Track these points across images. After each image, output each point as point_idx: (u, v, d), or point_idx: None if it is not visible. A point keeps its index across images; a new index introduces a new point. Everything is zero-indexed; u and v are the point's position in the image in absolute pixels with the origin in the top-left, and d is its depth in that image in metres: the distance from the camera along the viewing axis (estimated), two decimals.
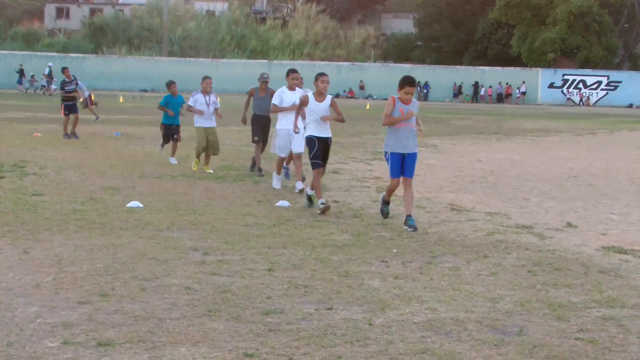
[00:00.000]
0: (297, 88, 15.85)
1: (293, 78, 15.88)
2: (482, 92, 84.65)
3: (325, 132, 13.44)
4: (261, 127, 17.71)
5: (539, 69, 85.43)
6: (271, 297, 7.74)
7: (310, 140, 13.32)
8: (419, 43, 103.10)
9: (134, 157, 20.36)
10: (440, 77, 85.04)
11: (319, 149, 13.23)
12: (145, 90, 78.03)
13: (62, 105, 26.08)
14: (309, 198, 13.63)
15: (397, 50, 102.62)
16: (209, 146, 18.05)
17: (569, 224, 12.51)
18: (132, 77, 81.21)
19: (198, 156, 18.15)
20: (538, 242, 10.98)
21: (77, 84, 26.46)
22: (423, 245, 10.56)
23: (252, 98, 17.77)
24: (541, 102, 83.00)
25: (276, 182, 15.73)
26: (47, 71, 70.33)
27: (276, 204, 13.54)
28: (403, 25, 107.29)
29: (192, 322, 6.89)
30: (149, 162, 19.35)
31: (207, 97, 18.06)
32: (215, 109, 18.18)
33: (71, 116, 25.82)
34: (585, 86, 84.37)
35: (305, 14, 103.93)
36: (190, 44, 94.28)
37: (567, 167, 21.31)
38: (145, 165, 18.76)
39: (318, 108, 13.39)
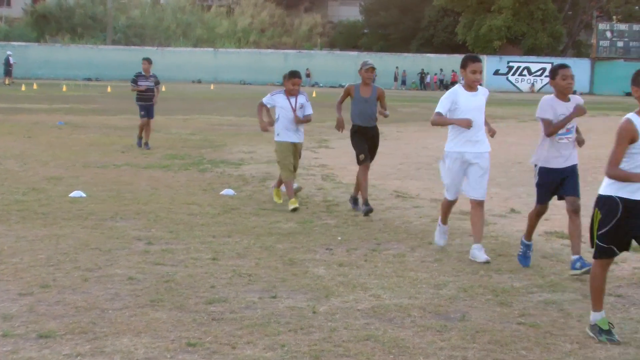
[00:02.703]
0: (480, 87, 9.92)
1: (474, 71, 9.56)
2: (427, 79, 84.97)
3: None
4: (370, 141, 12.34)
5: (485, 56, 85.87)
6: (215, 286, 7.71)
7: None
8: (365, 31, 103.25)
9: (78, 146, 20.14)
10: (387, 64, 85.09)
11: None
12: (90, 79, 77.26)
13: (137, 105, 20.70)
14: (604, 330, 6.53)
15: (344, 38, 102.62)
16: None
17: (513, 210, 12.64)
18: (75, 65, 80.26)
19: (281, 184, 12.88)
20: None
21: (157, 81, 20.84)
22: (368, 232, 10.60)
23: (345, 99, 12.53)
24: (487, 88, 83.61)
25: (440, 236, 9.91)
26: (11, 60, 68.76)
27: (221, 193, 13.47)
28: (350, 12, 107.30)
29: (135, 312, 6.84)
30: (93, 151, 19.15)
31: (294, 100, 12.49)
32: (305, 116, 12.64)
33: (145, 120, 20.45)
34: (530, 73, 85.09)
35: (251, 1, 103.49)
36: (135, 32, 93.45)
37: (512, 153, 21.47)
38: (89, 154, 18.57)
39: None
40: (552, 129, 8.80)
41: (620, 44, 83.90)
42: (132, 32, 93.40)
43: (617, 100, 65.48)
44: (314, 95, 57.20)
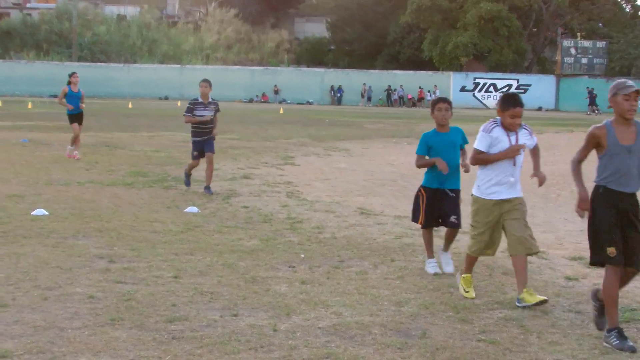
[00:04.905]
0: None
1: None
2: (395, 96, 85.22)
3: None
4: (629, 222, 7.06)
5: (451, 73, 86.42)
6: (176, 305, 7.67)
7: None
8: (331, 47, 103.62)
9: (41, 164, 19.98)
10: (353, 80, 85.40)
11: None
12: (56, 96, 76.65)
13: (191, 141, 16.16)
14: None
15: (310, 54, 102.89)
16: (511, 242, 8.26)
17: None
18: (41, 82, 79.72)
19: (471, 265, 8.69)
20: None
21: (217, 110, 15.98)
22: (331, 249, 10.59)
23: (588, 153, 7.27)
24: (453, 105, 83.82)
25: None
26: None
27: (185, 210, 13.41)
28: (316, 29, 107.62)
29: (94, 331, 6.79)
30: (56, 169, 19.00)
31: (514, 137, 8.32)
32: (534, 148, 8.69)
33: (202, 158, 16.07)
34: (496, 89, 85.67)
35: (217, 18, 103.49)
36: (101, 48, 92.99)
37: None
38: (52, 171, 18.42)
39: None
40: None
41: (584, 60, 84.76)
42: (97, 48, 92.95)
43: (581, 116, 66.06)
44: (280, 112, 57.31)
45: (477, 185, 8.56)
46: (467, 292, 8.41)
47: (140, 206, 13.85)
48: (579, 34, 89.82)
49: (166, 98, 79.67)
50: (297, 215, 13.35)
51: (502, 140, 8.24)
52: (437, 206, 9.45)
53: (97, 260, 9.55)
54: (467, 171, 9.44)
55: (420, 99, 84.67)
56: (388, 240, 11.33)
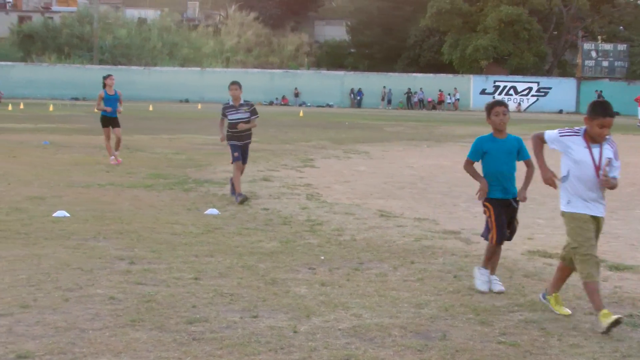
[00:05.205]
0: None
1: None
2: (415, 98, 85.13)
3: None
4: None
5: (471, 76, 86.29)
6: (196, 306, 7.69)
7: None
8: (351, 50, 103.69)
9: (62, 166, 20.07)
10: (372, 83, 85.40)
11: None
12: (77, 99, 77.15)
13: (229, 144, 15.43)
14: None
15: (330, 57, 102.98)
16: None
17: None
18: (62, 85, 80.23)
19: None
20: (465, 247, 11.07)
21: (253, 111, 15.61)
22: (350, 251, 10.58)
23: None
24: (473, 108, 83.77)
25: None
26: None
27: (205, 212, 13.44)
28: (336, 32, 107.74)
29: (115, 332, 6.82)
30: (77, 171, 19.08)
31: (597, 151, 7.64)
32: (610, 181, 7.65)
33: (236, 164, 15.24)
34: (517, 92, 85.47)
35: (237, 21, 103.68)
36: (122, 51, 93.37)
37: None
38: (72, 173, 18.50)
39: None
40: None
41: (605, 63, 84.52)
42: (118, 51, 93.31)
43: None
44: (300, 115, 57.31)
45: (566, 201, 7.73)
46: (560, 309, 7.80)
47: (161, 208, 13.89)
48: (599, 37, 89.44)
49: (186, 101, 79.94)
50: (316, 217, 13.35)
51: (579, 152, 7.61)
52: (504, 217, 8.73)
53: (117, 261, 9.58)
54: (523, 200, 8.82)
55: (440, 101, 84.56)
56: (408, 243, 11.31)
